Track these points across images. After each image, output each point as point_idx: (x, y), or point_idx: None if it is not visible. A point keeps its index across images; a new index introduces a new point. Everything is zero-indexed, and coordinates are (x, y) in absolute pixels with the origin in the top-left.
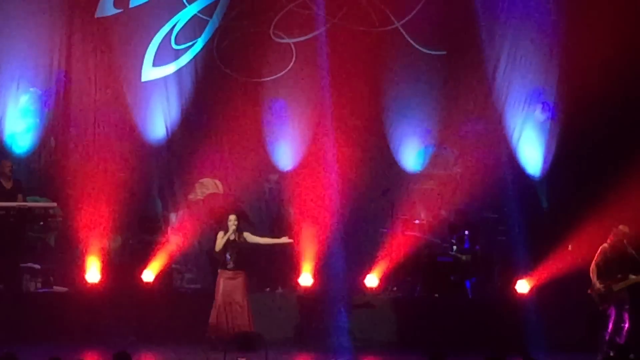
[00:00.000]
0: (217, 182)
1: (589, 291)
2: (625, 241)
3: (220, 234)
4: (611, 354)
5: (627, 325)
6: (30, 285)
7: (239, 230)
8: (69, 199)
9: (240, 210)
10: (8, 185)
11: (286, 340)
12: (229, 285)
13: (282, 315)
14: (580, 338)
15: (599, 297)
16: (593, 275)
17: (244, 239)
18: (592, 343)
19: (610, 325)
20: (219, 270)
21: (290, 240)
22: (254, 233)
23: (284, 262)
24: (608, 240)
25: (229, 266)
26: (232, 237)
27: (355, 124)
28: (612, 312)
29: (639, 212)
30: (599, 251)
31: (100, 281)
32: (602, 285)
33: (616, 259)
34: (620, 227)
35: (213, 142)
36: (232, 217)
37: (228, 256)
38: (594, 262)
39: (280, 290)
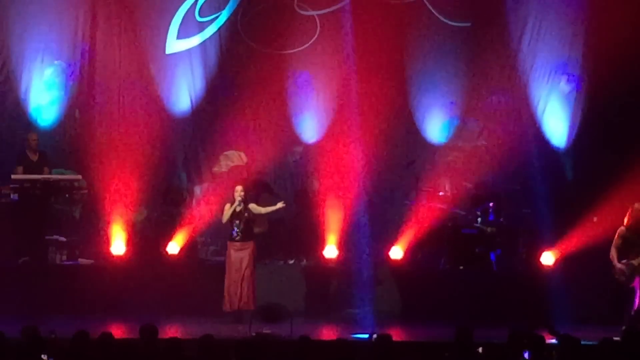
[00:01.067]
0: (242, 154)
1: (613, 271)
2: None
3: (227, 205)
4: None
5: None
6: (55, 257)
7: (245, 201)
8: (93, 172)
9: (261, 182)
10: (34, 157)
11: (311, 311)
12: (238, 256)
13: (307, 287)
14: (604, 311)
15: (623, 276)
16: (613, 258)
17: (250, 210)
18: (616, 316)
19: (637, 300)
20: (228, 242)
21: (284, 205)
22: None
23: (308, 233)
24: (625, 221)
25: (236, 238)
26: (238, 209)
27: (379, 96)
28: (637, 286)
29: None
30: (616, 234)
31: (126, 253)
32: (622, 264)
33: (636, 238)
34: (636, 205)
35: (237, 115)
36: (239, 188)
37: (235, 227)
38: (613, 246)
39: (304, 262)
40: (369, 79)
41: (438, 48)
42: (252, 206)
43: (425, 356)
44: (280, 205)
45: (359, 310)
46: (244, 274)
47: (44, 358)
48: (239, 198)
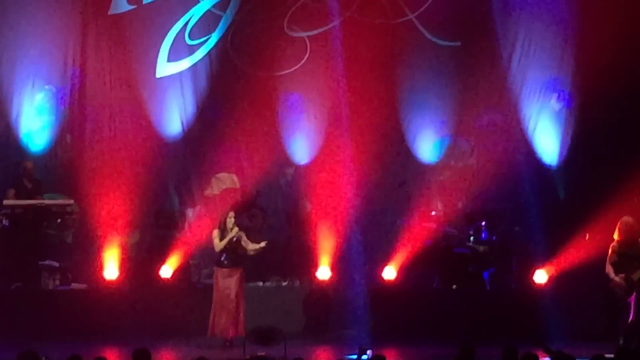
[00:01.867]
0: (234, 176)
1: (610, 285)
2: (633, 231)
3: (216, 231)
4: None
5: None
6: (48, 282)
7: (238, 226)
8: (85, 196)
9: (256, 205)
10: (29, 185)
11: (305, 333)
12: (225, 283)
13: (300, 309)
14: (598, 328)
15: (622, 290)
16: (610, 273)
17: (240, 235)
18: (610, 333)
19: (632, 315)
20: (214, 267)
21: (264, 245)
22: (264, 230)
23: (301, 255)
24: (615, 236)
25: (226, 263)
26: (235, 238)
27: (370, 117)
28: (634, 301)
29: None
30: (610, 250)
31: (118, 278)
32: (621, 279)
33: (628, 251)
34: (624, 218)
35: (229, 137)
36: (232, 214)
37: (224, 253)
38: (607, 261)
39: (298, 283)
40: (359, 99)
41: (428, 68)
42: (244, 239)
43: None
44: (263, 245)
45: (353, 332)
46: (234, 302)
47: None
48: (233, 225)
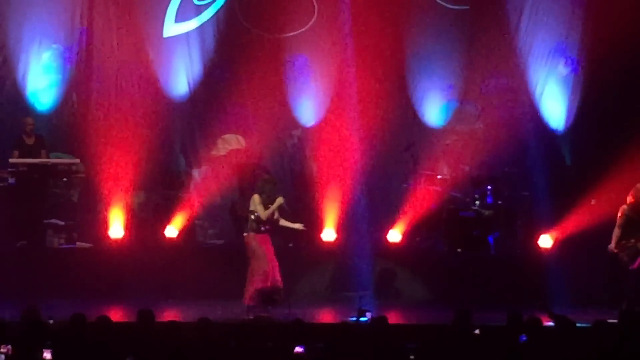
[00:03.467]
0: (240, 137)
1: (614, 250)
2: None
3: (257, 198)
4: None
5: None
6: (54, 241)
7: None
8: (91, 156)
9: (262, 166)
10: (30, 141)
11: (309, 295)
12: (269, 246)
13: (305, 270)
14: (602, 293)
15: (627, 256)
16: (617, 237)
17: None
18: (613, 298)
19: (637, 282)
20: (253, 234)
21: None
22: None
23: (307, 217)
24: (627, 200)
25: (264, 230)
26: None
27: (377, 79)
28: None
29: None
30: (619, 213)
31: (124, 237)
32: (628, 244)
33: (638, 217)
34: (639, 185)
35: (235, 98)
36: (274, 181)
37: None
38: (617, 225)
39: (303, 245)
40: (366, 62)
41: (436, 31)
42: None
43: (421, 338)
44: (297, 226)
45: (357, 294)
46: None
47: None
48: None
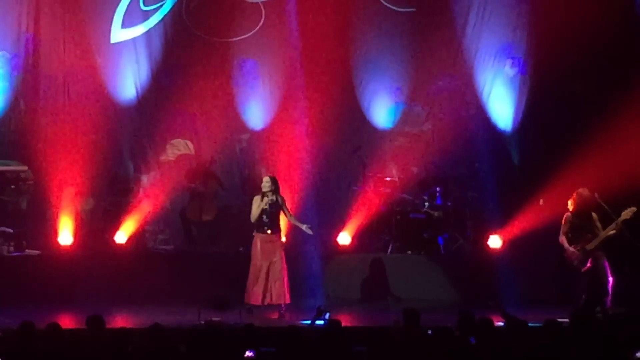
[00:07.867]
0: (188, 142)
1: (565, 254)
2: (587, 203)
3: (257, 198)
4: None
5: (611, 279)
6: (2, 249)
7: (274, 191)
8: (40, 162)
9: (211, 171)
10: None
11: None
12: (267, 247)
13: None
14: (551, 292)
15: (576, 261)
16: (564, 244)
17: (281, 200)
18: (563, 297)
19: (588, 284)
20: (254, 234)
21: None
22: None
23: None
24: (569, 207)
25: (267, 230)
26: (266, 206)
27: (325, 83)
28: (591, 271)
29: (607, 165)
30: (563, 221)
31: (73, 244)
32: (576, 249)
33: (582, 223)
34: (579, 190)
35: (183, 103)
36: (267, 179)
37: (265, 219)
38: (561, 232)
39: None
40: (314, 65)
41: (383, 34)
42: (283, 201)
43: (374, 341)
44: (305, 228)
45: (307, 298)
46: (276, 268)
47: None
48: (269, 190)
